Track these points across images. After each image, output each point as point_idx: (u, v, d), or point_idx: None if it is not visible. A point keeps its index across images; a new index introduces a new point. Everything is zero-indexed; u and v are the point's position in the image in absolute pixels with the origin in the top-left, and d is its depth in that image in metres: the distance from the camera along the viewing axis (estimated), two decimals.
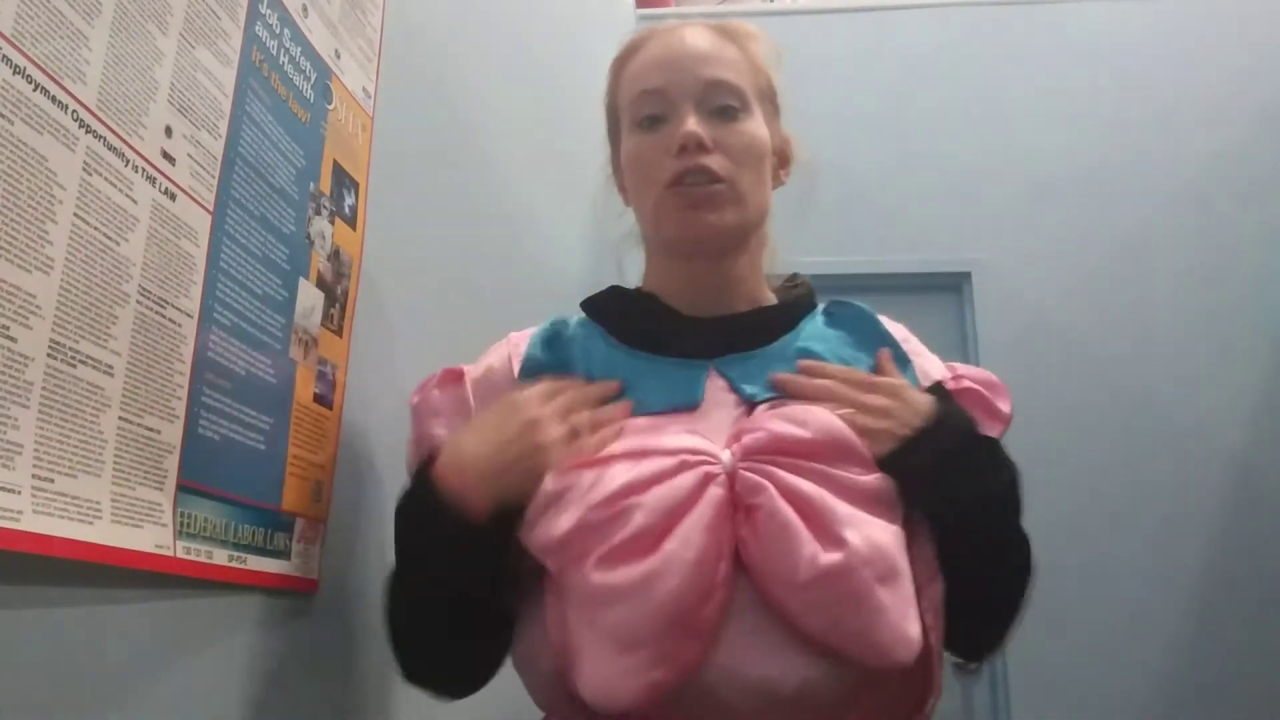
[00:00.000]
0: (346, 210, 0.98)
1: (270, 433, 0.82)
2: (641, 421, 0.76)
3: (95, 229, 0.60)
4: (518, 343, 0.90)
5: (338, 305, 0.96)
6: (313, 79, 0.92)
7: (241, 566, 0.77)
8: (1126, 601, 2.66)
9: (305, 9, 0.91)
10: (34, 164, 0.55)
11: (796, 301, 0.91)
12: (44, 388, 0.56)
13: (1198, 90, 3.00)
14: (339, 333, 0.96)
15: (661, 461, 0.69)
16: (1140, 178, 2.95)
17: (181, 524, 0.69)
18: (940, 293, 3.00)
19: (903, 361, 0.86)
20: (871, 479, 0.71)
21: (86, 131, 0.60)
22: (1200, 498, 2.69)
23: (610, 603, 0.65)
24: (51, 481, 0.56)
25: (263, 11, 0.82)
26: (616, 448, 0.71)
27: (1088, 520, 2.72)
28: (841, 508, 0.67)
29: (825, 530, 0.66)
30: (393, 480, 1.12)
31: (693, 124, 0.81)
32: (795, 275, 0.96)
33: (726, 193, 0.82)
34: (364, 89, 1.04)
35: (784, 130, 0.95)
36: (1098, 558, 2.69)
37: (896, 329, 0.91)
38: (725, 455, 0.71)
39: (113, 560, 0.61)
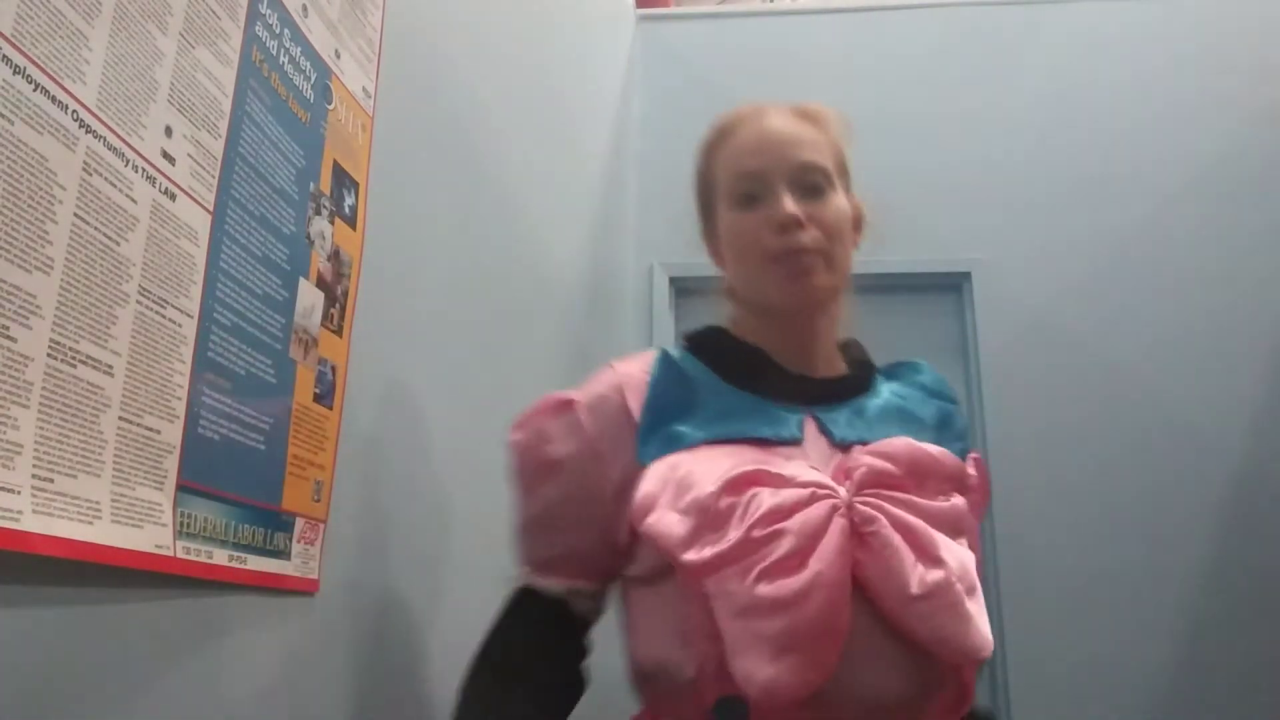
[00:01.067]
0: (346, 210, 0.98)
1: (270, 433, 0.82)
2: (751, 452, 0.86)
3: (95, 229, 0.60)
4: (628, 375, 0.95)
5: (338, 305, 0.96)
6: (313, 79, 0.92)
7: (241, 566, 0.77)
8: (1126, 601, 2.66)
9: (305, 9, 0.91)
10: (34, 164, 0.55)
11: (863, 365, 1.04)
12: (44, 388, 0.56)
13: (1198, 90, 3.00)
14: (339, 333, 0.96)
15: (798, 492, 0.80)
16: (1140, 178, 2.95)
17: (181, 524, 0.69)
18: (940, 293, 3.00)
19: (953, 416, 1.01)
20: (949, 505, 0.85)
21: (86, 131, 0.60)
22: (1200, 498, 2.69)
23: (771, 612, 0.75)
24: (51, 481, 0.56)
25: (263, 11, 0.82)
26: (747, 468, 0.82)
27: (1087, 520, 2.72)
28: (937, 535, 0.81)
29: (927, 553, 0.79)
30: (393, 480, 1.12)
31: (790, 205, 0.92)
32: (849, 340, 1.07)
33: (822, 263, 0.94)
34: (364, 89, 1.04)
35: (856, 197, 1.04)
36: (1097, 558, 2.69)
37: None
38: (842, 491, 0.82)
39: (113, 560, 0.61)
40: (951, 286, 2.99)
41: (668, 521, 0.80)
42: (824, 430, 0.91)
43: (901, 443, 0.87)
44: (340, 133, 0.97)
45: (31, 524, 0.54)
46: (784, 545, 0.76)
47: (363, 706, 1.02)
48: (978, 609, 0.80)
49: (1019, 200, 2.98)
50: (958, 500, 0.87)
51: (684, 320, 3.01)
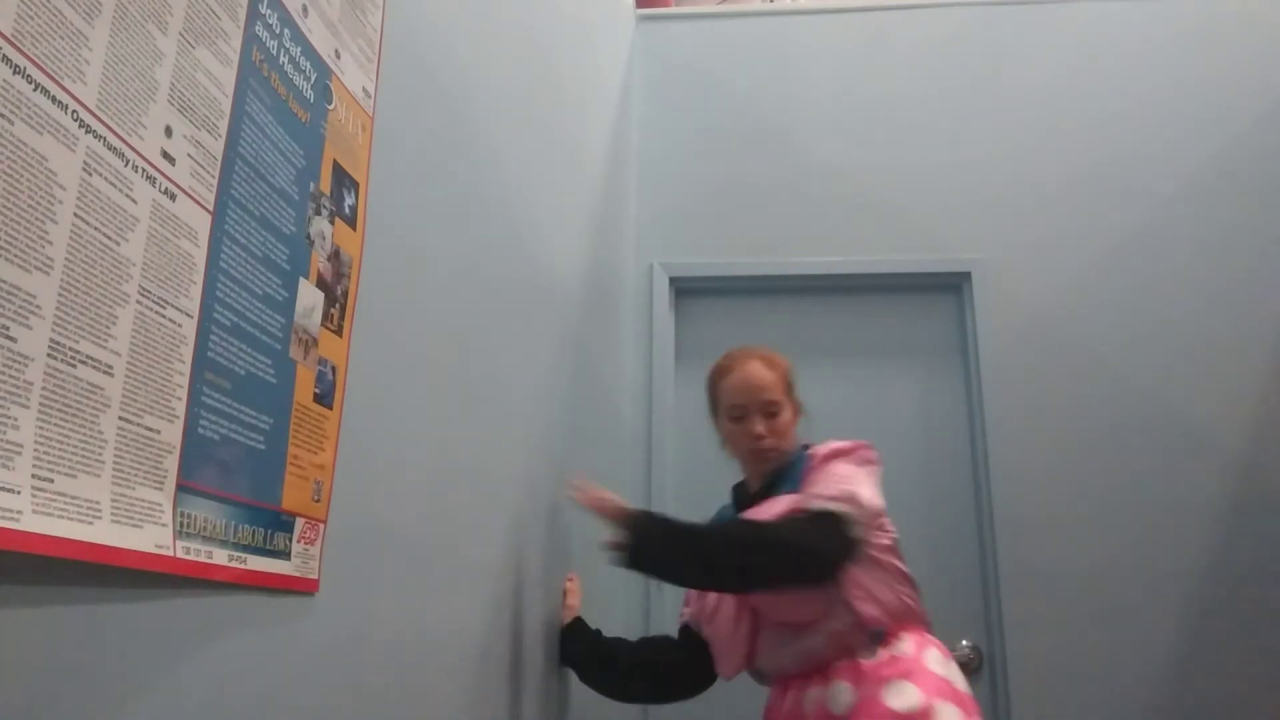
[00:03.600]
0: (346, 210, 0.98)
1: (270, 433, 0.82)
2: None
3: (95, 229, 0.60)
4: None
5: (338, 305, 0.96)
6: (313, 79, 0.92)
7: (241, 566, 0.77)
8: (1125, 600, 2.66)
9: (305, 9, 0.91)
10: (34, 164, 0.55)
11: (779, 476, 1.79)
12: (44, 388, 0.56)
13: (1198, 90, 3.00)
14: (339, 333, 0.96)
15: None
16: (1140, 178, 2.95)
17: (181, 524, 0.69)
18: (940, 293, 3.00)
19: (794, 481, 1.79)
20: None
21: (86, 131, 0.60)
22: (1200, 497, 2.69)
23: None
24: (51, 481, 0.56)
25: (263, 11, 0.82)
26: None
27: (1087, 520, 2.72)
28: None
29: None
30: (393, 480, 1.12)
31: (758, 427, 1.78)
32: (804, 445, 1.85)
33: (774, 450, 1.79)
34: (364, 89, 1.04)
35: (796, 398, 1.85)
36: (1097, 557, 2.69)
37: (821, 448, 1.76)
38: None
39: (113, 560, 0.61)
40: (951, 286, 2.99)
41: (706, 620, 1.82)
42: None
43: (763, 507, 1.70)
44: (340, 133, 0.97)
45: (31, 524, 0.54)
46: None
47: (362, 706, 1.02)
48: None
49: (1019, 200, 2.98)
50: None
51: (684, 320, 3.01)
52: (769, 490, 1.75)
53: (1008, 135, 3.04)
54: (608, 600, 2.45)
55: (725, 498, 2.94)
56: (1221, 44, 3.03)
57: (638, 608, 2.70)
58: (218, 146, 0.75)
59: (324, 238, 0.93)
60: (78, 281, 0.59)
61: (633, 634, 2.64)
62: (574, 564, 2.05)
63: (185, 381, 0.70)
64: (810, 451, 1.75)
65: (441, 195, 1.32)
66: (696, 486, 2.84)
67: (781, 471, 1.76)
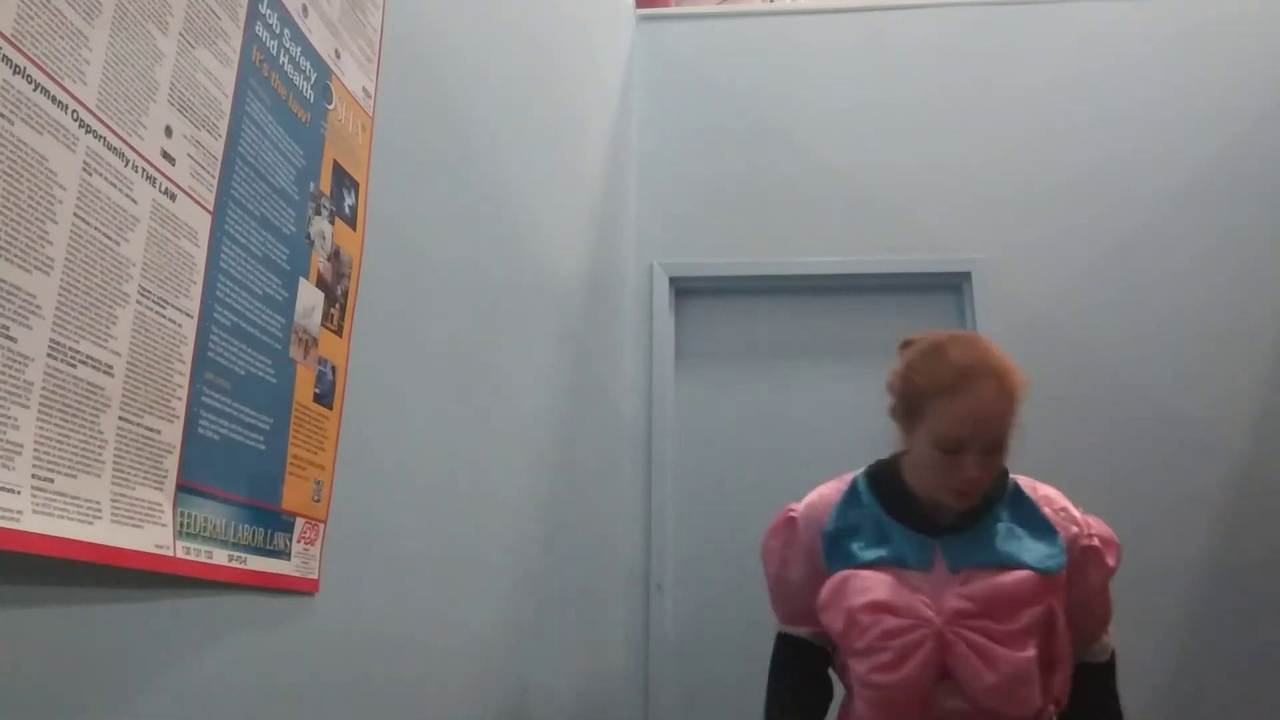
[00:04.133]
0: (346, 210, 0.98)
1: (270, 433, 0.82)
2: (890, 579, 1.30)
3: (95, 229, 0.60)
4: (825, 501, 1.42)
5: (338, 305, 0.95)
6: (313, 79, 0.92)
7: (241, 566, 0.77)
8: (1124, 599, 2.66)
9: (305, 9, 0.91)
10: (34, 164, 0.55)
11: (989, 498, 1.36)
12: (44, 388, 0.56)
13: (1198, 90, 3.00)
14: (339, 333, 0.96)
15: (905, 623, 1.26)
16: (1140, 178, 2.95)
17: (181, 524, 0.69)
18: (940, 293, 3.00)
19: (1051, 533, 1.34)
20: (1020, 626, 1.25)
21: (86, 131, 0.60)
22: (1200, 497, 2.69)
23: (874, 689, 1.27)
24: (51, 481, 0.56)
25: (263, 11, 0.82)
26: (881, 594, 1.28)
27: None
28: (1000, 650, 1.24)
29: (991, 664, 1.23)
30: (393, 480, 1.12)
31: (977, 468, 1.27)
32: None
33: (982, 491, 1.32)
34: (364, 89, 1.04)
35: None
36: None
37: (1050, 497, 1.39)
38: (938, 621, 1.26)
39: (113, 560, 0.61)
40: (951, 286, 2.99)
41: (831, 620, 1.32)
42: (945, 556, 1.31)
43: (984, 586, 1.27)
44: (340, 133, 0.97)
45: (31, 524, 0.54)
46: (889, 655, 1.25)
47: (361, 706, 1.02)
48: (1025, 691, 1.24)
49: (1019, 200, 2.98)
50: (1031, 615, 1.26)
51: (684, 320, 3.01)
52: (972, 516, 1.35)
53: (1008, 135, 3.04)
54: (606, 607, 2.45)
55: (726, 498, 2.93)
56: (1222, 44, 3.03)
57: (638, 621, 2.70)
58: (218, 146, 0.75)
59: (324, 238, 0.93)
60: (78, 281, 0.59)
61: (634, 649, 2.65)
62: (574, 562, 2.05)
63: (185, 381, 0.70)
64: (1022, 483, 1.41)
65: (441, 195, 1.32)
66: (697, 487, 2.84)
67: (989, 501, 1.38)
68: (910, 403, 1.34)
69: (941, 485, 1.30)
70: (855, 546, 1.35)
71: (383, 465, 1.09)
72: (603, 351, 2.44)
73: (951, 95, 3.10)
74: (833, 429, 2.84)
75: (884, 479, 1.41)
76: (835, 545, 1.36)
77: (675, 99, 3.18)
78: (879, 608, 1.27)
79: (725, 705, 2.61)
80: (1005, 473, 1.38)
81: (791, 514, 1.43)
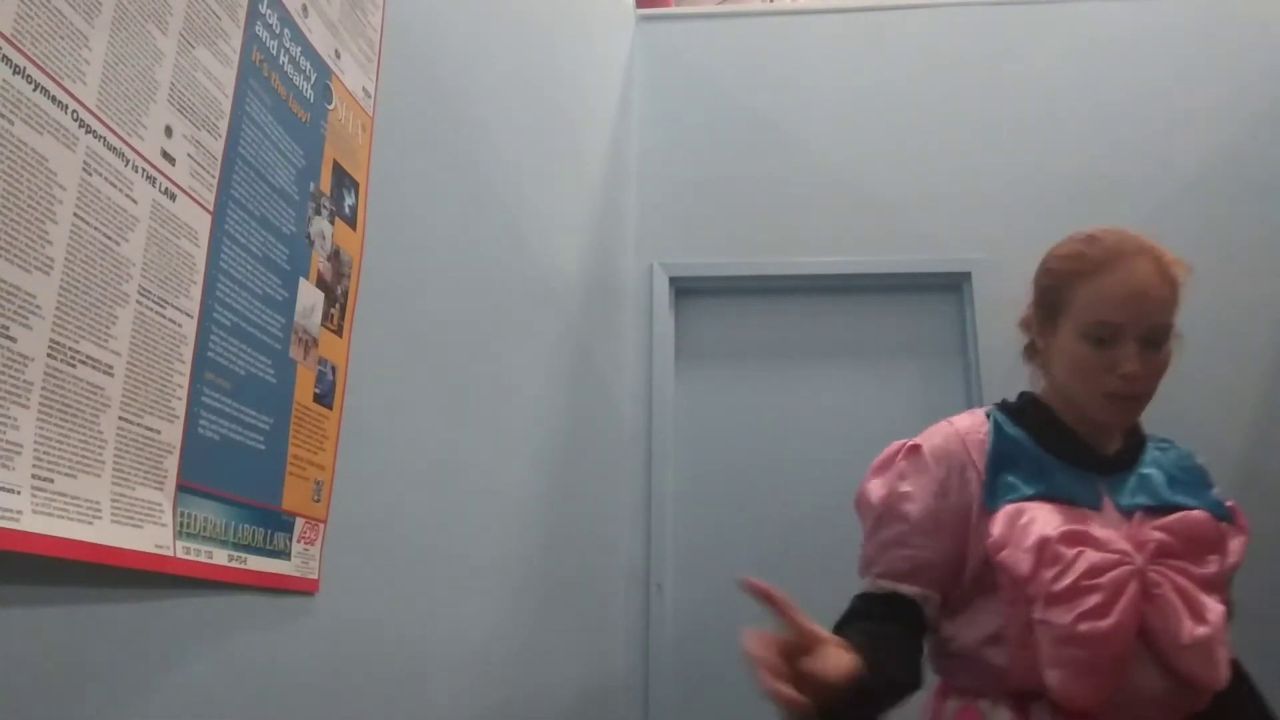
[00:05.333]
0: (346, 210, 0.98)
1: (270, 433, 0.82)
2: (1069, 511, 1.10)
3: (95, 229, 0.60)
4: (969, 430, 1.20)
5: (338, 305, 0.96)
6: (313, 79, 0.92)
7: (241, 566, 0.77)
8: None
9: (305, 9, 0.91)
10: (34, 164, 0.55)
11: (1139, 438, 1.23)
12: (44, 388, 0.56)
13: (1198, 92, 3.00)
14: (339, 333, 0.96)
15: (1110, 557, 1.05)
16: (1140, 179, 2.95)
17: (181, 524, 0.69)
18: (940, 293, 3.00)
19: (1207, 481, 1.23)
20: (1213, 571, 1.10)
21: (86, 131, 0.60)
22: None
23: (1084, 644, 1.02)
24: (51, 481, 0.56)
25: (263, 11, 0.82)
26: (1076, 526, 1.07)
27: None
28: (1204, 597, 1.06)
29: (1196, 612, 1.05)
30: (393, 480, 1.12)
31: (1136, 362, 1.11)
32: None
33: (1144, 401, 1.15)
34: (364, 89, 1.04)
35: (1175, 329, 1.19)
36: None
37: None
38: (1138, 558, 1.06)
39: (113, 560, 0.61)
40: (951, 286, 2.99)
41: (1016, 559, 1.06)
42: (1112, 497, 1.15)
43: (1179, 519, 1.10)
44: (340, 133, 0.97)
45: (31, 524, 0.54)
46: (1097, 597, 1.02)
47: (362, 706, 1.02)
48: (1223, 653, 1.06)
49: (1019, 200, 2.98)
50: (1219, 563, 1.12)
51: (684, 320, 3.01)
52: (1130, 456, 1.19)
53: (1008, 135, 3.04)
54: (606, 607, 2.45)
55: (726, 498, 2.93)
56: (1222, 44, 3.03)
57: (638, 621, 2.70)
58: (218, 146, 0.75)
59: (324, 238, 0.93)
60: (78, 281, 0.59)
61: (634, 648, 2.64)
62: (574, 562, 2.05)
63: (185, 381, 0.70)
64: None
65: (441, 195, 1.32)
66: (697, 486, 2.83)
67: (1139, 441, 1.22)
68: (1053, 293, 1.18)
69: (1094, 390, 1.12)
70: (1015, 479, 1.13)
71: (383, 465, 1.09)
72: (603, 351, 2.44)
73: (952, 95, 3.10)
74: (833, 429, 2.84)
75: (1029, 411, 1.22)
76: (995, 479, 1.14)
77: (675, 99, 3.18)
78: (1080, 538, 1.05)
79: (725, 705, 2.60)
80: (1138, 426, 1.23)
81: (915, 443, 1.20)
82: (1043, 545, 1.05)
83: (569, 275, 2.09)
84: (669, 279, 2.98)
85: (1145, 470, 1.18)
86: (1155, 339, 1.12)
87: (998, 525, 1.09)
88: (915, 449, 1.19)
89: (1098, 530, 1.07)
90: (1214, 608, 1.06)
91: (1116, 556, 1.04)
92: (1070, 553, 1.04)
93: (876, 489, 1.19)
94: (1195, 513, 1.11)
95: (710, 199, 3.06)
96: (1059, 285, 1.17)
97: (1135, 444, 1.21)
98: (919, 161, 3.04)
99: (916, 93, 3.11)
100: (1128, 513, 1.13)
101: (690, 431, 2.88)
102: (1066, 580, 1.03)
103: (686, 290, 3.02)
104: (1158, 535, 1.08)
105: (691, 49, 3.23)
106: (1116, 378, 1.10)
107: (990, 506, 1.12)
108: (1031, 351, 1.28)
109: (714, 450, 2.87)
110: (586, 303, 2.26)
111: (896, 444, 1.22)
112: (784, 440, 2.86)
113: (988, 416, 1.22)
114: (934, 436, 1.19)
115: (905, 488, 1.16)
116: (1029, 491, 1.12)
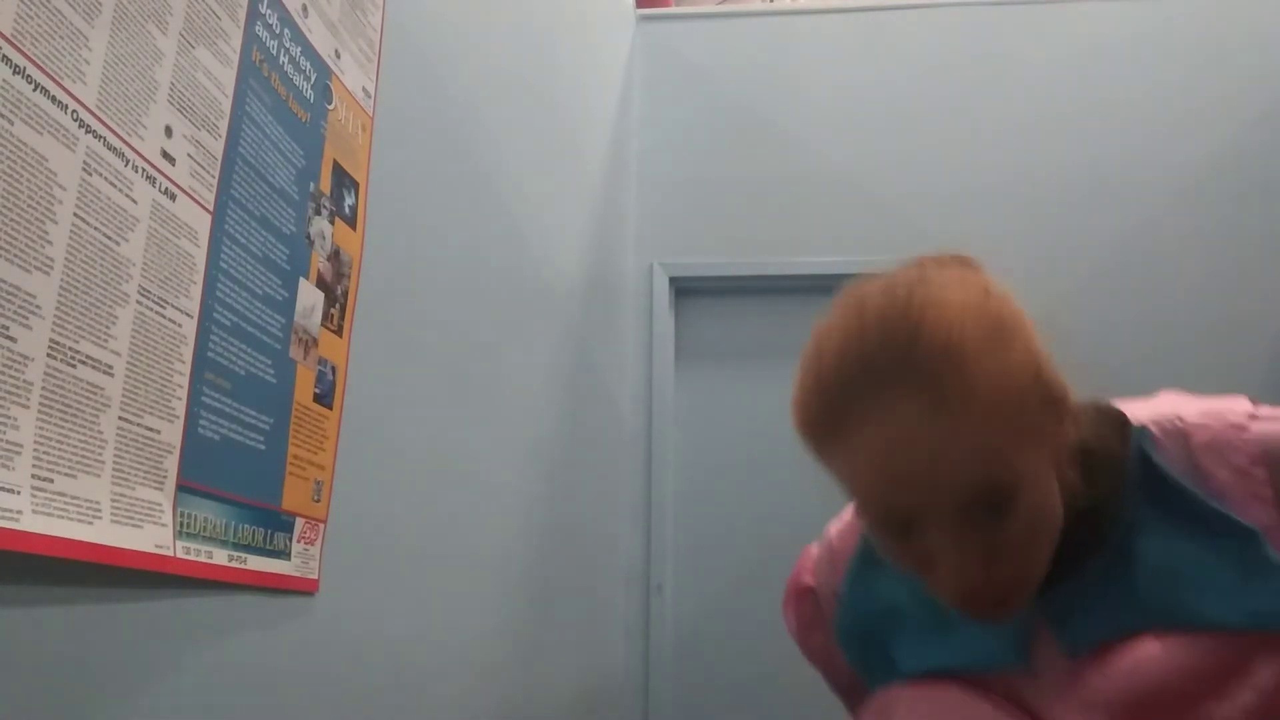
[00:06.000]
0: (346, 210, 0.98)
1: (270, 433, 0.82)
2: (959, 694, 0.67)
3: (95, 229, 0.60)
4: (835, 559, 0.81)
5: (338, 305, 0.96)
6: (313, 79, 0.92)
7: (241, 566, 0.77)
8: None
9: (305, 9, 0.91)
10: (34, 164, 0.55)
11: (1106, 494, 0.68)
12: (44, 388, 0.56)
13: (1198, 90, 3.00)
14: (339, 333, 0.96)
15: None
16: (1140, 178, 2.94)
17: (181, 524, 0.69)
18: None
19: (1244, 531, 0.65)
20: None
21: (86, 131, 0.60)
22: None
23: None
24: (51, 481, 0.56)
25: (263, 11, 0.82)
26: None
27: None
28: None
29: None
30: (393, 480, 1.12)
31: (962, 560, 0.64)
32: (1086, 455, 0.70)
33: (1022, 587, 0.69)
34: (364, 89, 1.04)
35: (1057, 389, 0.74)
36: None
37: (1219, 443, 0.70)
38: None
39: (113, 560, 0.61)
40: None
41: None
42: (1056, 632, 0.67)
43: (1114, 680, 0.62)
44: (340, 133, 0.97)
45: (31, 524, 0.54)
46: None
47: (362, 706, 1.02)
48: None
49: (1018, 200, 2.98)
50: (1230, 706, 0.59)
51: (684, 320, 3.01)
52: (1092, 540, 0.69)
53: (1007, 135, 3.04)
54: (606, 607, 2.45)
55: (726, 498, 2.93)
56: (1222, 44, 3.03)
57: (638, 621, 2.70)
58: (218, 146, 0.75)
59: (324, 238, 0.93)
60: (78, 281, 0.59)
61: (634, 649, 2.64)
62: (575, 562, 2.05)
63: (185, 381, 0.70)
64: (1175, 425, 0.75)
65: (441, 195, 1.32)
66: (697, 487, 2.83)
67: (1107, 503, 0.70)
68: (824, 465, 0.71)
69: (938, 594, 0.66)
70: (900, 643, 0.75)
71: (383, 465, 1.09)
72: (603, 351, 2.44)
73: (952, 95, 3.10)
74: None
75: None
76: (867, 649, 0.79)
77: (675, 99, 3.17)
78: None
79: (725, 705, 2.60)
80: (1122, 426, 0.76)
81: (806, 583, 0.86)
82: None
83: (569, 275, 2.09)
84: (669, 279, 2.98)
85: (1118, 564, 0.67)
86: (981, 505, 0.62)
87: None
88: (806, 594, 0.86)
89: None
90: None
91: None
92: None
93: (789, 629, 0.90)
94: (1174, 656, 0.62)
95: (710, 199, 3.06)
96: (815, 454, 0.72)
97: (1097, 524, 0.69)
98: (919, 161, 3.04)
99: (916, 93, 3.11)
100: (1075, 655, 0.66)
101: (690, 431, 2.88)
102: None
103: (686, 290, 3.02)
104: None
105: (691, 49, 3.23)
106: (944, 579, 0.64)
107: (867, 685, 0.78)
108: None
109: (714, 450, 2.87)
110: (586, 303, 2.26)
111: (799, 563, 0.89)
112: (784, 440, 2.84)
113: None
114: (829, 555, 0.84)
115: (813, 641, 0.87)
116: (915, 666, 0.73)
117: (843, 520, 0.84)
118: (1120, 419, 0.74)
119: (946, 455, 0.61)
